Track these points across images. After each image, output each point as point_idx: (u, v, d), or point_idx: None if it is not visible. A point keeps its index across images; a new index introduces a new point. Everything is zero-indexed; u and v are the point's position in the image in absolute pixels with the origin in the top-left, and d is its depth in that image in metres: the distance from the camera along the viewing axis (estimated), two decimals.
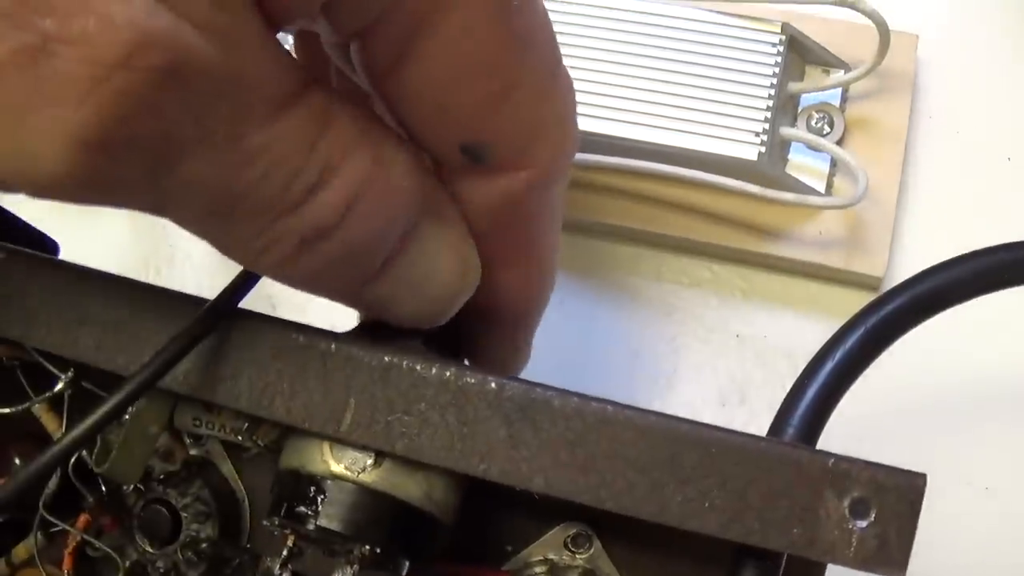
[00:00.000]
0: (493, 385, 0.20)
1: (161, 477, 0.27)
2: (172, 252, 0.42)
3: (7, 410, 0.25)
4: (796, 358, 0.35)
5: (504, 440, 0.20)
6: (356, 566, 0.21)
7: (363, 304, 0.21)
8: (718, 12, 0.33)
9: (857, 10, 0.31)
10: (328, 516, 0.21)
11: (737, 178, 0.33)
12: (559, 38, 0.33)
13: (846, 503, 0.19)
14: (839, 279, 0.34)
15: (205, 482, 0.28)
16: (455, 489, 0.22)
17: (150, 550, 0.27)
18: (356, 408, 0.20)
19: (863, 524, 0.19)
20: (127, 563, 0.27)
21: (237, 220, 0.18)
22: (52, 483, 0.26)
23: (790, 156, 0.34)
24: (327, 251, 0.19)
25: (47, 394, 0.25)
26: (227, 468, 0.28)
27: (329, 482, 0.21)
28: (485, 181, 0.21)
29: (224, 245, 0.19)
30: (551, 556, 0.26)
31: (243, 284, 0.21)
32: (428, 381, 0.20)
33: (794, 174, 0.34)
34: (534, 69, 0.20)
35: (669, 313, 0.36)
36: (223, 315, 0.21)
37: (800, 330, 0.35)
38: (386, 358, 0.20)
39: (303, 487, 0.21)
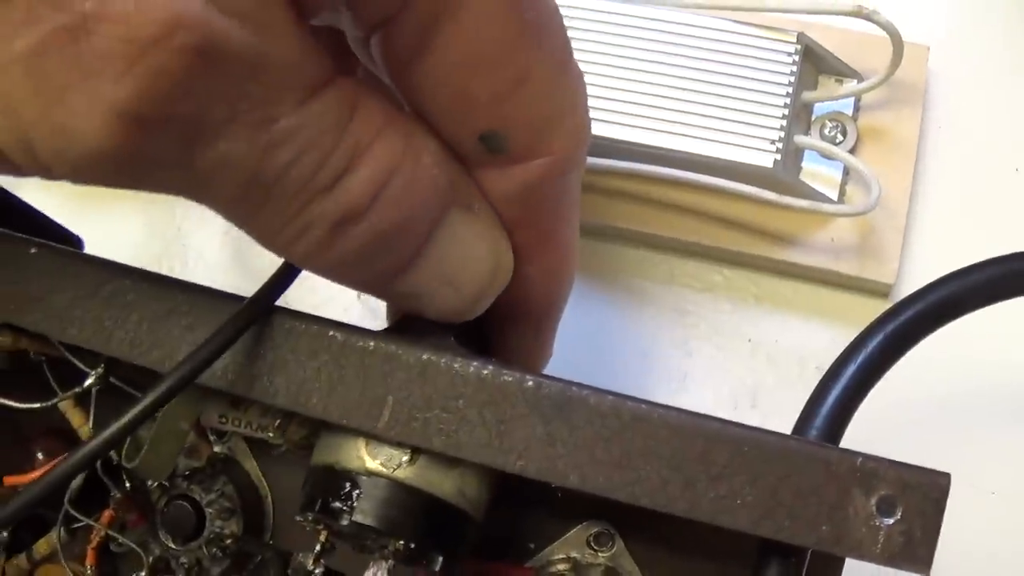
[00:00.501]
0: (530, 383, 0.20)
1: (186, 473, 0.27)
2: (185, 251, 0.42)
3: (36, 405, 0.25)
4: (807, 363, 0.35)
5: (541, 437, 0.20)
6: (391, 561, 0.21)
7: (397, 297, 0.22)
8: (736, 21, 0.34)
9: (873, 22, 0.31)
10: (363, 512, 0.21)
11: (752, 185, 0.33)
12: (581, 45, 0.34)
13: (873, 501, 0.19)
14: (850, 285, 0.35)
15: (230, 479, 0.28)
16: (487, 486, 0.23)
17: (173, 546, 0.28)
18: (394, 405, 0.20)
19: (890, 521, 0.19)
20: (150, 558, 0.27)
21: (270, 204, 0.19)
22: (78, 478, 0.26)
23: (803, 164, 0.35)
24: (359, 236, 0.19)
25: (76, 389, 0.25)
26: (250, 465, 0.29)
27: (364, 478, 0.21)
28: (503, 172, 0.21)
29: (259, 232, 0.20)
30: (574, 554, 0.27)
31: (281, 280, 0.21)
32: (466, 379, 0.20)
33: (807, 181, 0.34)
34: (547, 57, 0.20)
35: (681, 317, 0.37)
36: (262, 311, 0.21)
37: (811, 335, 0.35)
38: (424, 356, 0.20)
39: (338, 483, 0.22)
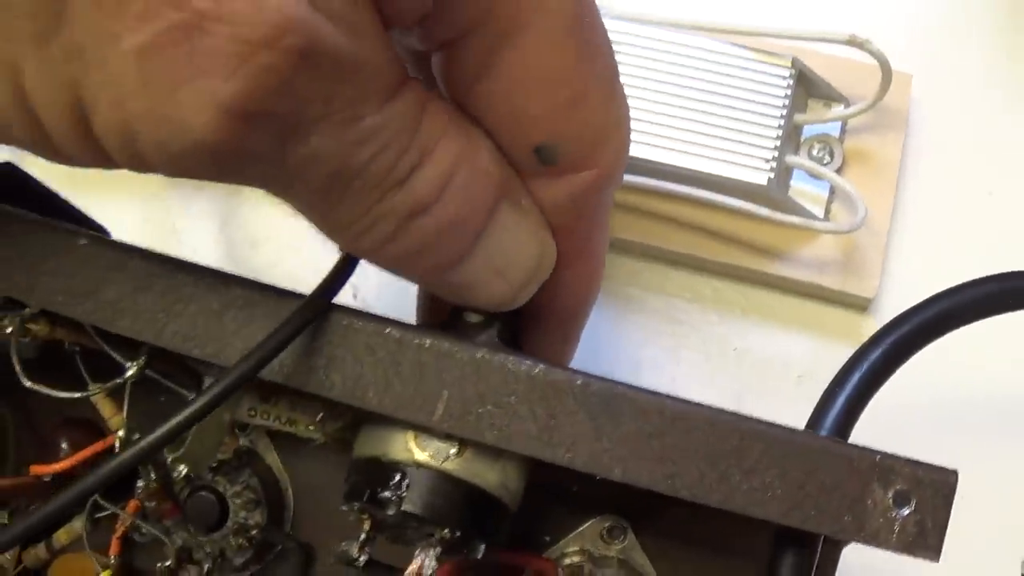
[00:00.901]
0: (580, 381, 0.21)
1: (213, 465, 0.28)
2: (180, 247, 0.42)
3: (76, 394, 0.25)
4: (790, 371, 0.38)
5: (588, 432, 0.21)
6: (439, 548, 0.22)
7: (450, 287, 0.23)
8: (734, 45, 0.36)
9: (866, 50, 0.34)
10: (412, 501, 0.22)
11: (745, 200, 0.35)
12: None
13: (890, 494, 0.21)
14: (832, 299, 0.37)
15: (254, 471, 0.28)
16: (524, 479, 0.24)
17: (195, 536, 0.28)
18: (449, 400, 0.22)
19: (905, 513, 0.21)
20: (175, 548, 0.28)
21: (348, 198, 0.20)
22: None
23: (791, 182, 0.37)
24: (424, 228, 0.21)
25: (117, 380, 0.25)
26: (272, 458, 0.29)
27: (413, 469, 0.22)
28: (552, 182, 0.23)
29: (332, 225, 0.21)
30: (587, 547, 0.28)
31: (338, 277, 0.22)
32: (518, 376, 0.22)
33: (795, 199, 0.36)
34: (601, 77, 0.22)
35: (672, 326, 0.38)
36: (323, 308, 0.22)
37: (794, 345, 0.38)
38: (479, 354, 0.22)
39: (386, 474, 0.23)
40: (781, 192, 0.36)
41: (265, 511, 0.28)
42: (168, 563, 0.27)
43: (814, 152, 0.37)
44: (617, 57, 0.36)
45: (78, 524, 0.29)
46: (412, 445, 0.23)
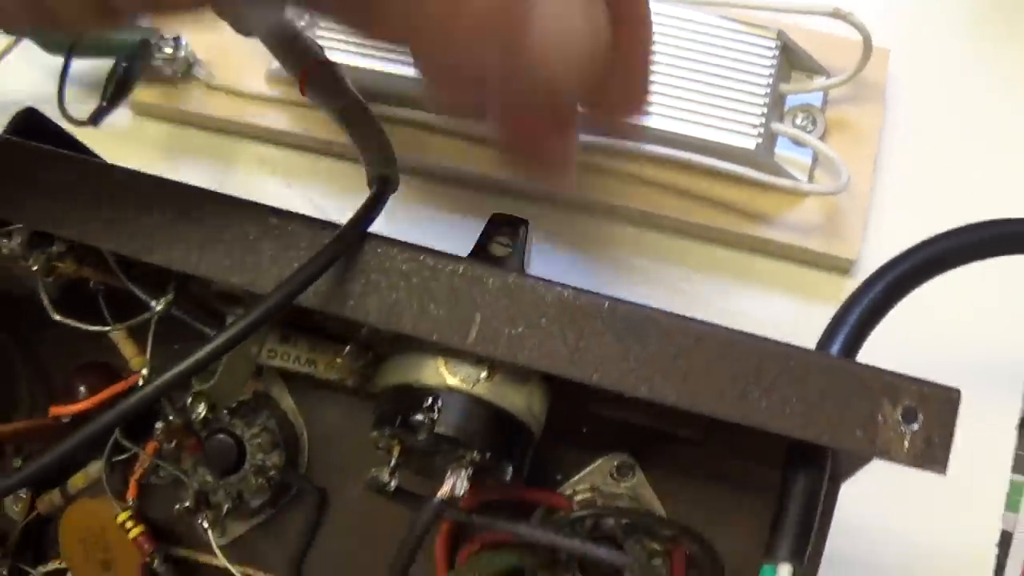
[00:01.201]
0: (607, 305, 0.22)
1: (232, 407, 0.28)
2: None
3: (107, 328, 0.26)
4: (776, 332, 0.39)
5: (616, 353, 0.22)
6: (470, 469, 0.23)
7: (516, 72, 0.23)
8: (723, 17, 0.37)
9: (849, 22, 0.35)
10: (444, 424, 0.23)
11: (733, 164, 0.37)
12: None
13: (899, 410, 0.22)
14: (815, 262, 0.39)
15: (271, 413, 0.29)
16: (547, 405, 0.25)
17: (212, 479, 0.28)
18: (482, 323, 0.22)
19: (915, 427, 0.22)
20: (193, 489, 0.28)
21: None
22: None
23: (776, 149, 0.38)
24: None
25: (146, 315, 0.26)
26: (287, 402, 0.30)
27: (445, 393, 0.23)
28: None
29: None
30: (598, 484, 0.29)
31: (372, 208, 0.23)
32: (548, 300, 0.22)
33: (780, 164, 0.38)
34: None
35: (661, 289, 0.40)
36: (357, 237, 0.23)
37: (778, 306, 0.39)
38: (510, 279, 0.23)
39: (419, 399, 0.23)
40: (767, 157, 0.37)
41: (283, 453, 0.29)
42: (187, 504, 0.28)
43: (798, 121, 0.38)
44: None
45: (93, 469, 0.29)
46: (443, 370, 0.23)
